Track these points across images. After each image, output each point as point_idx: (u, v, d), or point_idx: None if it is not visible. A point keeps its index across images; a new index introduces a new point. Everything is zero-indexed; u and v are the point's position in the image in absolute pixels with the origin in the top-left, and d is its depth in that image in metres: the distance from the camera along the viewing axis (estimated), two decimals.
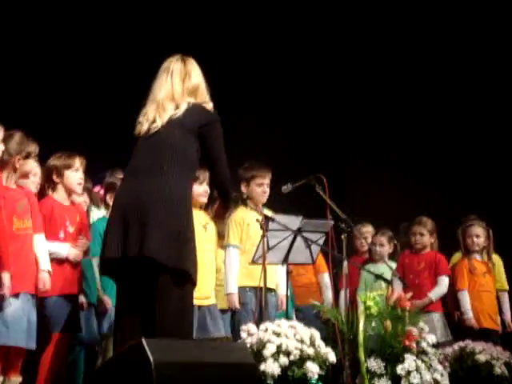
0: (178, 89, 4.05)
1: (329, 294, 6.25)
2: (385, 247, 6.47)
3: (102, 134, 6.97)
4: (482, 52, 7.84)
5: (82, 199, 5.26)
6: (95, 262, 5.03)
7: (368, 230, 6.76)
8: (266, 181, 5.47)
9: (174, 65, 4.12)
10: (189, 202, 3.95)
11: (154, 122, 4.01)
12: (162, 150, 3.93)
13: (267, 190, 5.45)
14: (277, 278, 5.28)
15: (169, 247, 3.78)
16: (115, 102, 6.99)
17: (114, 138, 6.62)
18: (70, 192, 4.86)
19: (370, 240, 6.60)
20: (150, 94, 4.10)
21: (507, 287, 6.45)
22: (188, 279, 3.88)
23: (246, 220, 5.31)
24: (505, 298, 6.43)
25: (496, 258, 6.49)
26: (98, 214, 5.62)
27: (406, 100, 8.23)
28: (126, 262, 3.86)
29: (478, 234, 6.31)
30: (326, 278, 6.34)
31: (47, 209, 4.71)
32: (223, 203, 4.45)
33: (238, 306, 5.22)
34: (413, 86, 8.16)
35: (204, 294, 5.07)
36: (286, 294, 4.98)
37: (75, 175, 4.84)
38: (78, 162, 4.85)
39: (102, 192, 5.59)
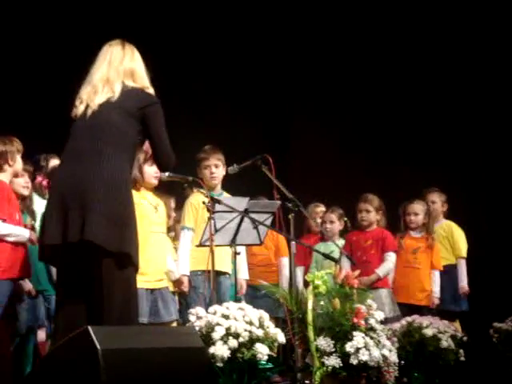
0: (114, 72, 3.99)
1: (285, 279, 6.28)
2: (335, 224, 6.51)
3: (35, 118, 6.81)
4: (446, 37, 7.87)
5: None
6: None
7: (322, 209, 6.80)
8: (212, 162, 5.45)
9: (112, 48, 4.06)
10: (129, 185, 3.92)
11: (88, 104, 3.95)
12: (100, 133, 3.87)
13: (214, 171, 5.43)
14: (238, 262, 5.25)
15: (109, 231, 3.73)
16: (48, 85, 6.86)
17: (47, 122, 6.53)
18: (15, 176, 4.89)
19: (317, 220, 6.64)
20: (86, 77, 4.03)
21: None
22: (130, 262, 3.83)
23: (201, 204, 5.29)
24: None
25: (451, 226, 6.62)
26: (42, 203, 5.53)
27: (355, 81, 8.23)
28: (67, 248, 3.79)
29: (417, 211, 6.40)
30: (284, 262, 6.39)
31: (5, 191, 4.69)
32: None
33: (186, 289, 5.20)
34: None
35: (156, 276, 5.04)
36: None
37: (20, 160, 4.88)
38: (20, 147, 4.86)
39: (44, 182, 5.50)
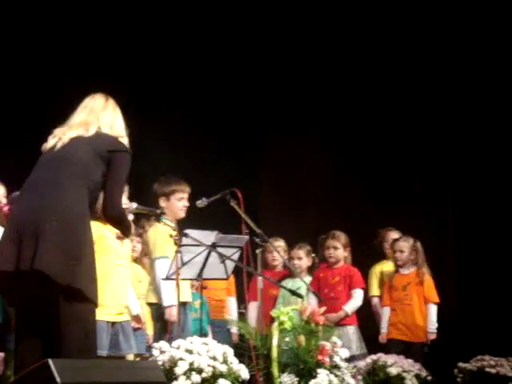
0: (93, 118, 4.02)
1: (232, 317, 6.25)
2: (302, 260, 6.50)
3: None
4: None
5: None
6: None
7: (280, 244, 6.75)
8: (186, 195, 5.44)
9: (94, 99, 4.11)
10: (87, 219, 3.85)
11: (60, 138, 3.95)
12: (64, 165, 3.86)
13: (187, 204, 5.41)
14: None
15: (61, 263, 3.66)
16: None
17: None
18: None
19: (281, 254, 6.58)
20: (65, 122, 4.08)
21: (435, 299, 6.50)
22: (84, 298, 3.74)
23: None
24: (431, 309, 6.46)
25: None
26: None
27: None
28: (21, 277, 3.72)
29: (402, 249, 6.41)
30: (232, 303, 6.41)
31: None
32: (123, 233, 4.33)
33: (176, 319, 5.10)
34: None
35: (118, 309, 5.00)
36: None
37: None
38: None
39: (6, 209, 5.44)
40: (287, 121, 8.34)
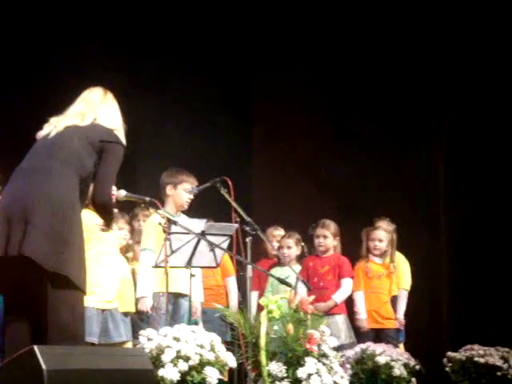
0: (91, 110, 4.04)
1: (234, 298, 6.24)
2: (292, 249, 6.49)
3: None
4: None
5: None
6: None
7: (280, 233, 6.77)
8: (191, 185, 5.44)
9: (93, 92, 4.14)
10: (76, 207, 3.84)
11: (55, 126, 3.96)
12: (56, 152, 3.86)
13: (192, 197, 5.42)
14: (193, 284, 5.21)
15: (48, 248, 3.67)
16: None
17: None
18: None
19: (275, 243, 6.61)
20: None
21: (406, 287, 6.54)
22: (71, 285, 3.74)
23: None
24: (402, 296, 6.50)
25: (400, 258, 6.61)
26: None
27: None
28: (9, 262, 3.73)
29: (381, 238, 6.42)
30: (232, 282, 6.32)
31: None
32: (106, 224, 4.29)
33: (149, 309, 5.15)
34: None
35: (107, 297, 5.04)
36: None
37: None
38: None
39: None
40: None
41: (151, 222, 5.31)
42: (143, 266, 5.25)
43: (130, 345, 5.21)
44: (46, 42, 6.94)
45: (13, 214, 3.74)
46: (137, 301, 5.27)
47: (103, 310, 5.02)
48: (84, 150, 3.89)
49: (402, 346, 6.38)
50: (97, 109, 4.05)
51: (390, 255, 6.43)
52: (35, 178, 3.80)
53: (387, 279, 6.42)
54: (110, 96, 4.16)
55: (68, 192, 3.80)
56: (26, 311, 3.78)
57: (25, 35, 6.89)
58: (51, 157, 3.85)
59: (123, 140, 4.06)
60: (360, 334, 6.16)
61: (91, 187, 4.00)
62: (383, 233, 6.43)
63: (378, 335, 6.15)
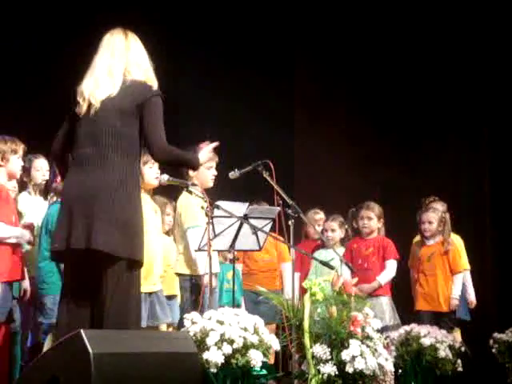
0: (117, 63, 3.94)
1: (287, 284, 6.24)
2: (336, 232, 6.49)
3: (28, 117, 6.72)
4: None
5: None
6: None
7: (321, 216, 6.78)
8: (215, 164, 5.39)
9: (114, 38, 4.01)
10: (138, 191, 3.91)
11: (91, 102, 3.90)
12: (103, 137, 3.86)
13: (215, 173, 5.38)
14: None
15: (118, 238, 3.76)
16: (45, 79, 6.76)
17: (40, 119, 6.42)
18: (10, 177, 4.86)
19: (318, 226, 6.62)
20: (88, 69, 3.98)
21: (461, 268, 6.44)
22: (138, 267, 3.89)
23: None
24: (458, 277, 6.38)
25: (456, 238, 6.53)
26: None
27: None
28: (72, 254, 3.82)
29: (431, 220, 6.35)
30: (287, 267, 6.32)
31: (3, 192, 4.68)
32: (191, 167, 4.33)
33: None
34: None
35: (153, 280, 5.06)
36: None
37: (19, 162, 4.85)
38: (21, 150, 4.83)
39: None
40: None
41: (191, 201, 5.19)
42: (196, 243, 5.07)
43: (164, 327, 5.26)
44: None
45: (74, 207, 3.81)
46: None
47: (150, 294, 5.05)
48: (127, 126, 3.87)
49: (458, 332, 6.28)
50: (123, 58, 3.95)
51: (443, 235, 6.34)
52: (91, 168, 3.84)
53: (440, 259, 6.33)
54: (131, 38, 4.03)
55: (128, 178, 3.84)
56: (89, 298, 3.87)
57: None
58: (101, 144, 3.84)
59: (154, 81, 3.96)
60: (416, 316, 6.09)
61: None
62: (432, 214, 6.37)
63: (435, 318, 6.07)
